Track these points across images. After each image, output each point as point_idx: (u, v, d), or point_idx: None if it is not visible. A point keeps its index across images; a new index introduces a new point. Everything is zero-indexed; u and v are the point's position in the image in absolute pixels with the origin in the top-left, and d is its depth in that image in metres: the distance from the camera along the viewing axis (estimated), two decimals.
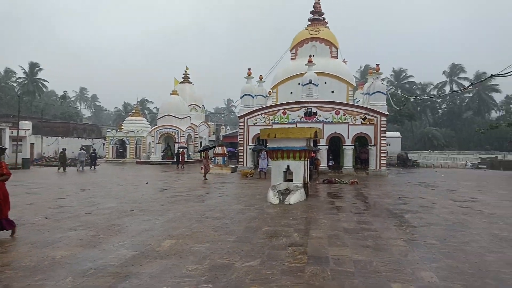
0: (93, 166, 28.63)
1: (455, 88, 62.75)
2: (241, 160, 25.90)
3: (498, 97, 66.80)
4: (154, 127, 41.22)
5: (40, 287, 4.35)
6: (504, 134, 49.60)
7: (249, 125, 25.66)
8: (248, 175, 21.33)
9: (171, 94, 41.11)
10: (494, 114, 67.72)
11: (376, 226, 7.92)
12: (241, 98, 27.00)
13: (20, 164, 29.44)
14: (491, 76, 14.98)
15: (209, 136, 49.18)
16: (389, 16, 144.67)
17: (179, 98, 40.97)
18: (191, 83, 47.76)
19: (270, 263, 5.24)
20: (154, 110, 77.79)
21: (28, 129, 37.43)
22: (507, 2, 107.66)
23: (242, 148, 25.95)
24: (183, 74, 47.63)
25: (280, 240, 6.55)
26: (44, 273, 4.82)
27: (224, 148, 26.83)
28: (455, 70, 66.88)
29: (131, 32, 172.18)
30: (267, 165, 20.59)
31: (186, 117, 40.64)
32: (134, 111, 50.69)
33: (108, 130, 50.24)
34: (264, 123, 25.06)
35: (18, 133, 33.14)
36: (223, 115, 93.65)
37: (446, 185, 17.92)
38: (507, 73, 11.32)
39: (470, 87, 54.31)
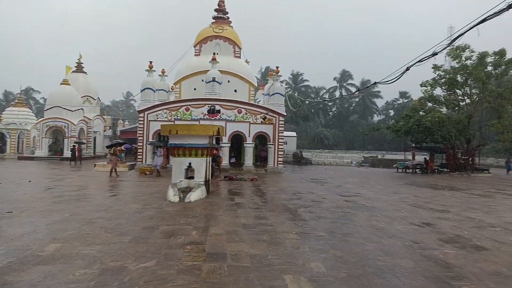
0: None
1: (344, 93, 68.88)
2: (140, 157, 24.83)
3: (380, 103, 75.36)
4: (40, 119, 37.09)
5: None
6: (383, 136, 55.96)
7: (149, 120, 24.72)
8: (147, 172, 20.53)
9: (61, 83, 37.39)
10: (376, 118, 76.23)
11: (272, 220, 8.28)
12: (141, 91, 25.85)
13: None
14: (374, 83, 16.77)
15: (104, 131, 46.02)
16: (288, 22, 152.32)
17: (70, 88, 37.48)
18: (85, 72, 44.06)
19: (167, 263, 5.12)
20: (41, 101, 70.15)
21: None
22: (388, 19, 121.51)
23: (141, 144, 24.89)
24: (76, 62, 43.71)
25: (178, 239, 6.44)
26: None
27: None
28: (344, 76, 73.46)
29: (16, 11, 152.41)
30: (161, 163, 20.58)
31: (78, 109, 37.40)
32: (16, 100, 45.00)
33: None
34: (166, 119, 24.39)
35: None
36: (121, 108, 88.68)
37: (334, 181, 19.55)
38: (387, 81, 12.81)
39: (357, 92, 60.14)
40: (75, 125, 36.17)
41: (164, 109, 24.83)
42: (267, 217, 8.73)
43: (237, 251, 5.76)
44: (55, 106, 35.80)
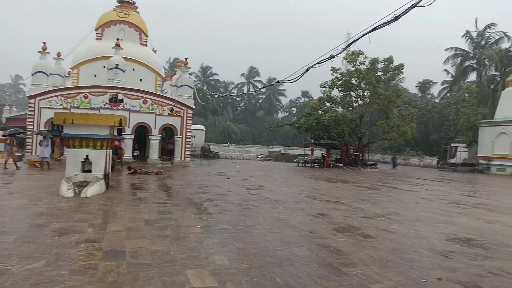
0: None
1: (252, 89, 70.60)
2: (29, 147, 22.35)
3: (284, 101, 78.90)
4: None
5: None
6: (287, 132, 58.70)
7: (41, 107, 22.34)
8: (37, 165, 18.58)
9: None
10: (280, 115, 79.72)
11: (177, 215, 8.15)
12: (32, 75, 23.22)
13: None
14: (278, 81, 17.49)
15: None
16: (198, 13, 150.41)
17: None
18: None
19: (58, 264, 4.70)
20: None
21: None
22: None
23: (31, 133, 22.40)
24: None
25: (71, 237, 5.96)
26: None
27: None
28: (252, 73, 75.17)
29: None
30: (49, 154, 18.25)
31: None
32: None
33: None
34: (61, 107, 22.30)
35: None
36: (8, 93, 78.75)
37: (241, 175, 19.98)
38: (290, 80, 13.51)
39: (263, 89, 62.04)
40: None
41: (59, 95, 22.67)
42: (172, 212, 8.57)
43: (138, 248, 5.54)
44: None
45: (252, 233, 6.80)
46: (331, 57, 11.64)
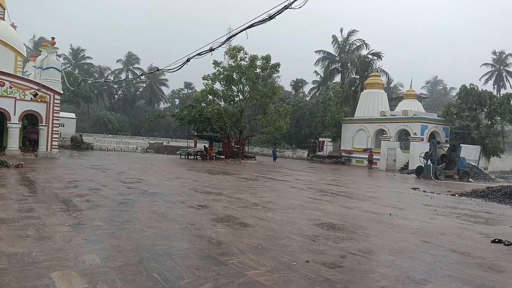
0: None
1: (130, 76, 66.87)
2: None
3: (166, 91, 76.71)
4: None
5: None
6: (169, 123, 57.40)
7: None
8: None
9: None
10: (162, 105, 77.34)
11: (41, 213, 7.31)
12: None
13: None
14: (157, 69, 16.96)
15: None
16: None
17: None
18: None
19: None
20: None
21: None
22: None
23: None
24: None
25: None
26: None
27: None
28: (131, 59, 71.14)
29: None
30: None
31: None
32: None
33: None
34: None
35: None
36: None
37: (118, 168, 18.86)
38: (170, 69, 13.25)
39: (142, 76, 59.43)
40: None
41: None
42: (34, 209, 7.64)
43: None
44: None
45: (129, 229, 6.50)
46: (211, 49, 11.75)
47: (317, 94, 56.06)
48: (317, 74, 56.81)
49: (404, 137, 35.83)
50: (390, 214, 9.51)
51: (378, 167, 32.93)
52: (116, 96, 73.25)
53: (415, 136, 33.13)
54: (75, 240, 5.63)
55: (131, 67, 70.59)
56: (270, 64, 33.43)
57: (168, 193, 10.99)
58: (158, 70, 16.91)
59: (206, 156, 31.57)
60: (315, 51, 52.53)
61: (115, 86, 69.21)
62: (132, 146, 41.56)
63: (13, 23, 28.26)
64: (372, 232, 7.38)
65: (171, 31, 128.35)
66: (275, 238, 6.47)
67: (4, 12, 25.92)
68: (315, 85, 59.52)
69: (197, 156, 31.59)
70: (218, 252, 5.43)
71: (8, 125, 21.31)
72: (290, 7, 9.00)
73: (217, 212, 8.47)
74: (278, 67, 33.94)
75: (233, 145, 33.67)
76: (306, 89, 64.88)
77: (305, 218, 8.40)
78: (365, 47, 49.40)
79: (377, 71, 43.88)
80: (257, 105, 35.14)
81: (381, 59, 47.09)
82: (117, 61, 70.87)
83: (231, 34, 11.74)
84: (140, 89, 73.17)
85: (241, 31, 10.72)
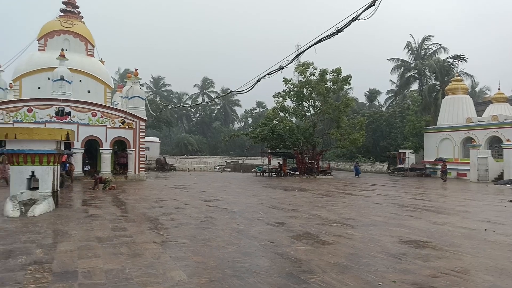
0: None
1: (206, 99, 70.24)
2: None
3: (239, 111, 79.26)
4: None
5: None
6: (244, 142, 58.89)
7: None
8: None
9: None
10: (236, 125, 79.85)
11: (131, 231, 7.87)
12: None
13: None
14: (230, 92, 17.57)
15: None
16: (147, 24, 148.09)
17: None
18: None
19: None
20: None
21: None
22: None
23: None
24: None
25: (18, 260, 5.56)
26: None
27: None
28: (206, 83, 74.89)
29: None
30: None
31: None
32: None
33: None
34: (3, 121, 20.89)
35: None
36: None
37: (198, 187, 19.71)
38: (242, 90, 13.68)
39: (216, 99, 62.08)
40: None
41: (0, 109, 21.27)
42: (126, 228, 8.26)
43: (90, 267, 5.28)
44: None
45: (211, 246, 6.71)
46: (281, 68, 11.90)
47: (394, 104, 53.64)
48: (392, 83, 54.47)
49: (495, 145, 32.55)
50: (485, 230, 8.62)
51: (468, 179, 30.26)
52: (194, 119, 77.38)
53: (508, 143, 29.92)
54: (163, 257, 5.94)
55: (206, 91, 74.24)
56: (341, 76, 32.89)
57: (246, 211, 11.18)
58: (231, 92, 17.54)
59: (281, 172, 31.66)
60: (387, 59, 50.63)
61: (192, 110, 73.22)
62: (210, 165, 43.25)
63: (101, 59, 31.49)
64: (465, 249, 6.74)
65: (241, 54, 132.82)
66: (358, 256, 6.21)
67: (93, 50, 29.03)
68: (390, 95, 57.05)
69: (272, 173, 31.82)
70: (299, 270, 5.36)
71: (101, 151, 23.51)
72: (358, 18, 8.83)
73: (295, 229, 8.39)
74: (350, 79, 33.24)
75: (307, 160, 33.39)
76: (381, 99, 62.55)
77: (389, 235, 7.97)
78: (443, 51, 46.44)
79: (459, 75, 40.79)
80: (330, 119, 34.62)
81: (465, 61, 43.88)
82: (194, 85, 75.16)
83: (299, 51, 11.81)
84: (215, 111, 76.47)
85: (309, 47, 10.75)
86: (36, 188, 10.58)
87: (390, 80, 54.41)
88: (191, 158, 48.24)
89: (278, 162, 33.96)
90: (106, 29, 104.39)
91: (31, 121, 21.41)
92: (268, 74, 12.18)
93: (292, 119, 35.38)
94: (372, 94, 61.79)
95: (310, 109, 34.56)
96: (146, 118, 25.21)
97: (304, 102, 34.17)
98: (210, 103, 68.39)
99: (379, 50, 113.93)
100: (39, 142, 10.45)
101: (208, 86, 74.80)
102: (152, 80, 71.41)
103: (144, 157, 25.04)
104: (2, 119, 21.10)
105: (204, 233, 7.85)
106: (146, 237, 7.39)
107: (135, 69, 25.97)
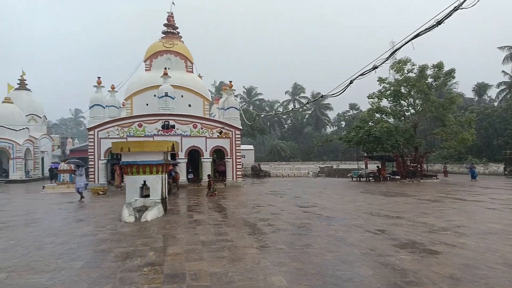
0: None
1: (297, 105, 70.44)
2: (92, 176, 23.76)
3: (331, 115, 77.81)
4: None
5: None
6: (337, 146, 57.64)
7: (100, 138, 23.79)
8: (100, 192, 19.67)
9: (3, 102, 35.30)
10: (329, 129, 78.48)
11: (232, 236, 8.18)
12: (90, 108, 24.89)
13: None
14: (321, 96, 17.28)
15: (53, 151, 43.76)
16: (239, 38, 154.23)
17: (13, 107, 35.48)
18: (29, 90, 41.88)
19: (122, 287, 4.87)
20: None
21: None
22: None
23: (92, 163, 23.85)
24: (19, 79, 41.46)
25: (134, 261, 6.17)
26: None
27: (71, 165, 24.08)
28: (296, 89, 75.17)
29: None
30: (85, 184, 17.46)
31: (23, 129, 35.39)
32: None
33: None
34: (118, 136, 23.59)
35: None
36: (70, 126, 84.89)
37: (293, 192, 19.78)
38: (334, 94, 13.30)
39: (307, 105, 61.77)
40: (20, 145, 34.16)
41: (116, 125, 24.04)
42: (227, 232, 8.62)
43: (197, 270, 5.61)
44: None
45: (309, 253, 6.64)
46: (375, 67, 11.34)
47: (509, 97, 47.59)
48: (505, 74, 48.42)
49: None
50: None
51: None
52: (285, 125, 78.20)
53: None
54: (263, 262, 6.06)
55: (297, 97, 74.54)
56: (443, 71, 30.27)
57: (343, 217, 10.86)
58: (322, 96, 17.28)
59: (379, 177, 30.18)
60: (498, 48, 45.24)
61: (284, 116, 74.08)
62: (303, 171, 43.16)
63: (199, 74, 33.70)
64: None
65: (331, 58, 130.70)
66: (473, 267, 5.58)
67: (192, 66, 31.23)
68: (503, 87, 50.65)
69: (370, 178, 30.50)
70: (405, 281, 5.01)
71: (202, 160, 25.07)
72: (460, 7, 8.04)
73: (399, 238, 7.89)
74: (453, 73, 30.42)
75: (408, 163, 31.30)
76: (492, 93, 56.00)
77: (509, 244, 7.03)
78: None
79: None
80: (433, 118, 32.04)
81: None
82: (285, 92, 76.02)
83: (395, 48, 11.15)
84: (307, 116, 76.24)
85: (406, 43, 10.09)
86: (148, 196, 11.66)
87: (503, 71, 48.49)
88: (284, 164, 48.65)
89: (377, 166, 32.38)
90: (202, 45, 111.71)
91: (141, 135, 23.78)
92: (362, 74, 11.73)
93: (389, 120, 33.54)
94: (481, 88, 55.71)
95: (410, 108, 32.43)
96: (241, 127, 26.23)
97: (402, 101, 32.20)
98: (301, 109, 68.43)
99: (486, 40, 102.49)
100: (149, 154, 11.53)
101: (298, 92, 75.04)
102: (245, 90, 74.12)
103: (240, 164, 26.02)
104: (118, 134, 23.79)
105: (301, 239, 7.81)
106: (246, 241, 7.61)
107: (229, 81, 27.25)
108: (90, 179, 23.81)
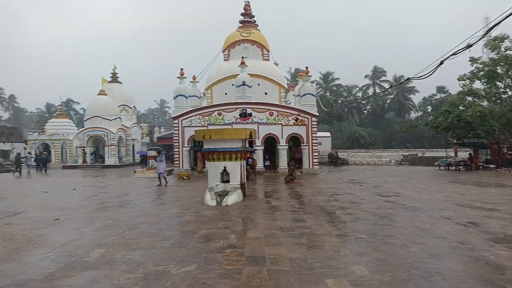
0: (43, 170, 29.77)
1: (377, 90, 67.18)
2: (177, 162, 25.34)
3: (415, 99, 72.84)
4: (81, 130, 38.83)
5: None
6: (422, 133, 54.12)
7: (183, 126, 25.17)
8: (185, 177, 20.91)
9: (98, 94, 39.02)
10: (413, 115, 73.67)
11: (310, 223, 8.15)
12: (174, 98, 26.40)
13: None
14: (408, 79, 16.15)
15: (142, 138, 47.44)
16: (315, 22, 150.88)
17: (107, 98, 39.02)
18: (120, 82, 45.73)
19: (207, 267, 5.14)
20: (81, 111, 73.30)
21: None
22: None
23: (177, 150, 25.39)
24: (111, 73, 45.44)
25: (217, 243, 6.47)
26: None
27: (165, 152, 25.89)
28: (377, 73, 71.57)
29: (52, 28, 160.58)
30: (164, 169, 18.01)
31: (116, 118, 38.82)
32: (58, 112, 47.40)
33: (30, 133, 46.25)
34: (200, 124, 24.74)
35: None
36: (156, 116, 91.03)
37: (373, 181, 19.05)
38: (421, 76, 12.28)
39: (390, 89, 58.52)
40: (113, 133, 37.53)
41: (197, 114, 25.20)
42: (305, 219, 8.61)
43: (276, 254, 5.70)
44: (94, 116, 37.41)
45: (392, 243, 6.36)
46: (469, 46, 10.30)
47: None
48: None
49: None
50: None
51: None
52: (365, 111, 75.23)
53: None
54: (343, 250, 5.95)
55: (377, 81, 71.12)
56: None
57: (429, 208, 10.19)
58: (408, 79, 16.14)
59: (471, 166, 27.69)
60: None
61: (363, 102, 71.28)
62: (385, 159, 41.28)
63: (275, 62, 33.76)
64: None
65: (413, 41, 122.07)
66: None
67: (268, 54, 31.38)
68: None
69: (460, 167, 28.15)
70: (503, 278, 4.57)
71: (278, 147, 25.26)
72: None
73: (494, 231, 7.20)
74: None
75: (505, 151, 28.26)
76: None
77: None
78: None
79: None
80: None
81: None
82: (365, 76, 72.90)
83: (494, 24, 10.00)
84: (388, 101, 72.42)
85: (506, 17, 8.99)
86: (228, 181, 12.10)
87: None
88: (363, 152, 46.98)
89: (469, 154, 29.69)
90: (277, 32, 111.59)
91: (221, 123, 24.64)
92: (453, 54, 10.75)
93: (482, 104, 30.45)
94: None
95: (507, 90, 29.08)
96: (318, 114, 25.82)
97: (498, 83, 28.95)
98: (382, 94, 65.18)
99: None
100: (228, 141, 11.93)
101: (379, 75, 71.46)
102: (321, 76, 72.63)
103: (317, 151, 25.71)
104: (199, 122, 24.94)
105: (383, 229, 7.51)
106: (325, 229, 7.53)
107: (305, 67, 26.89)
108: (175, 165, 25.43)
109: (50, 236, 7.20)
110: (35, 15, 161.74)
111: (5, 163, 40.01)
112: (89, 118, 37.75)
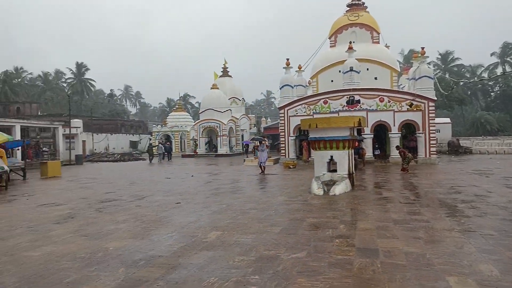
0: (168, 158, 33.62)
1: (508, 69, 58.59)
2: (283, 151, 25.80)
3: None
4: (197, 121, 42.11)
5: (96, 277, 4.54)
6: None
7: (289, 116, 25.45)
8: (291, 166, 21.20)
9: (211, 88, 41.69)
10: None
11: (428, 216, 7.56)
12: (280, 89, 26.82)
13: (74, 160, 31.27)
14: None
15: (250, 129, 49.46)
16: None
17: (219, 91, 41.46)
18: (230, 76, 48.11)
19: (317, 255, 5.14)
20: (197, 105, 79.54)
21: (79, 127, 39.32)
22: None
23: (283, 139, 25.83)
24: (222, 67, 48.05)
25: (326, 232, 6.42)
26: (99, 264, 5.04)
27: (266, 141, 26.74)
28: (506, 50, 62.26)
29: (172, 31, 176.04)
30: (266, 159, 19.05)
31: (227, 110, 41.08)
32: (177, 106, 52.09)
33: (154, 125, 52.03)
34: (305, 114, 24.72)
35: (70, 131, 35.04)
36: (263, 107, 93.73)
37: (503, 172, 16.80)
38: None
39: None
40: (225, 124, 39.82)
41: (303, 104, 25.20)
42: (421, 212, 8.01)
43: (390, 247, 5.42)
44: (208, 109, 40.19)
45: None
46: None
47: None
48: None
49: None
50: None
51: None
52: (492, 93, 66.39)
53: None
54: (467, 247, 5.39)
55: (507, 59, 62.03)
56: None
57: None
58: None
59: None
60: None
61: (490, 83, 62.93)
62: None
63: (386, 44, 31.75)
64: None
65: None
66: None
67: (378, 37, 29.66)
68: None
69: None
70: None
71: (389, 135, 23.85)
72: None
73: None
74: None
75: None
76: None
77: None
78: None
79: None
80: None
81: None
82: (491, 54, 64.15)
83: None
84: None
85: None
86: (335, 170, 11.88)
87: None
88: (491, 139, 41.56)
89: None
90: (389, 12, 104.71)
91: (327, 112, 24.25)
92: None
93: None
94: None
95: None
96: (435, 98, 23.63)
97: None
98: None
99: None
100: (335, 130, 11.68)
101: (510, 52, 62.17)
102: (439, 56, 66.11)
103: (434, 139, 23.64)
104: (305, 112, 24.92)
105: None
106: (445, 223, 6.91)
107: (421, 48, 24.77)
108: (281, 154, 25.93)
109: (173, 218, 7.99)
110: (162, 19, 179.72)
111: (134, 152, 45.60)
112: (204, 111, 40.66)
